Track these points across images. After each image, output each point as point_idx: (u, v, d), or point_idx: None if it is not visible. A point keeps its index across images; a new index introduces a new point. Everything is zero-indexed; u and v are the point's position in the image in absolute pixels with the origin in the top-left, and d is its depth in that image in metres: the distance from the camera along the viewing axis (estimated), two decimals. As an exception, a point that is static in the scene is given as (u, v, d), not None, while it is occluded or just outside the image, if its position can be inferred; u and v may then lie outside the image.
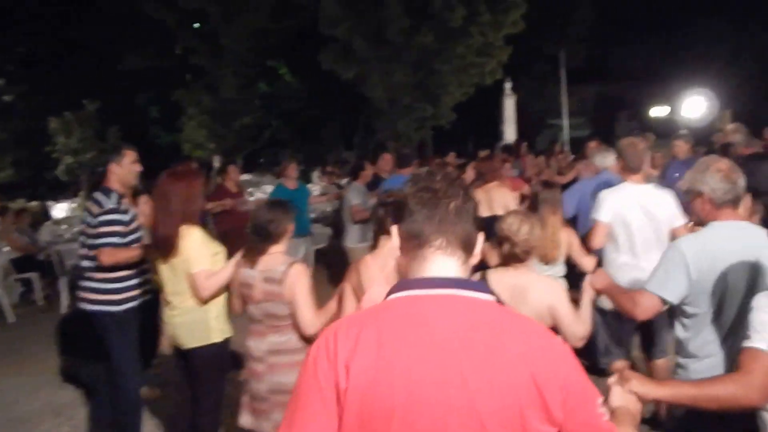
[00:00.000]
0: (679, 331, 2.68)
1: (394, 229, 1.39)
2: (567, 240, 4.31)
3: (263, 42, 19.66)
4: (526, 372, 1.22)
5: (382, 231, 2.98)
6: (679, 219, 4.04)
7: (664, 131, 15.19)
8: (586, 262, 4.23)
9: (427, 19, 15.53)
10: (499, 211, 5.61)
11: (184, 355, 3.68)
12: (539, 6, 17.76)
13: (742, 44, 21.77)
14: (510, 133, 15.04)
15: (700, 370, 2.54)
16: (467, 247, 1.37)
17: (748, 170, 6.77)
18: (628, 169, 4.17)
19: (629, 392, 1.84)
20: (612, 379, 1.88)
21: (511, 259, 2.96)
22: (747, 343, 1.97)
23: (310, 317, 3.09)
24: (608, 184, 4.54)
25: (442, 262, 1.34)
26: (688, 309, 2.59)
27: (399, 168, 7.99)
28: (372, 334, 1.25)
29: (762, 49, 20.95)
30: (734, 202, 2.58)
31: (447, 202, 1.34)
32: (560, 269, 4.38)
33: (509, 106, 15.24)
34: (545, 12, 19.89)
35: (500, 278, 2.93)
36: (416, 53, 15.84)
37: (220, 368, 3.65)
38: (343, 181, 10.21)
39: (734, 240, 2.52)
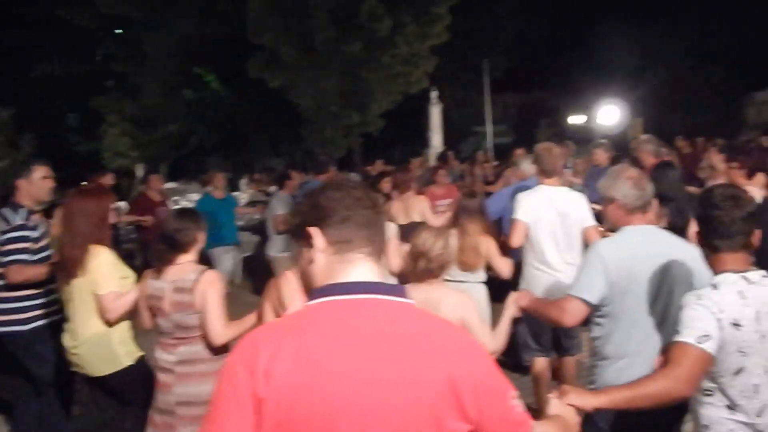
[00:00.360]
0: (596, 332, 2.75)
1: (316, 232, 1.35)
2: (486, 246, 4.36)
3: (188, 49, 19.23)
4: (443, 373, 1.23)
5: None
6: (590, 220, 4.22)
7: (582, 138, 15.83)
8: (503, 265, 4.34)
9: (354, 29, 15.60)
10: (417, 219, 5.71)
11: (97, 381, 3.52)
12: (463, 18, 18.15)
13: (653, 54, 22.96)
14: (436, 140, 15.29)
15: (615, 370, 2.61)
16: (383, 254, 1.41)
17: (655, 178, 7.08)
18: (544, 172, 4.35)
19: (567, 405, 1.89)
20: (552, 394, 1.94)
21: (426, 274, 2.97)
22: (676, 338, 2.08)
23: (219, 327, 3.00)
24: (527, 188, 4.70)
25: (367, 267, 1.35)
26: (605, 310, 2.66)
27: (316, 174, 7.95)
28: (293, 340, 1.23)
29: (671, 58, 22.15)
30: (644, 208, 2.71)
31: (373, 209, 1.37)
32: (481, 276, 4.42)
33: (435, 114, 15.49)
34: (469, 24, 20.36)
35: (413, 293, 2.92)
36: (343, 62, 15.88)
37: (143, 386, 3.49)
38: (271, 189, 10.08)
39: (647, 243, 2.63)
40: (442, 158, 10.83)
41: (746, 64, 23.08)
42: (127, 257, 5.36)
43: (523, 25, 23.28)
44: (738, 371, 2.10)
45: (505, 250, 4.42)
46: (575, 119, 23.80)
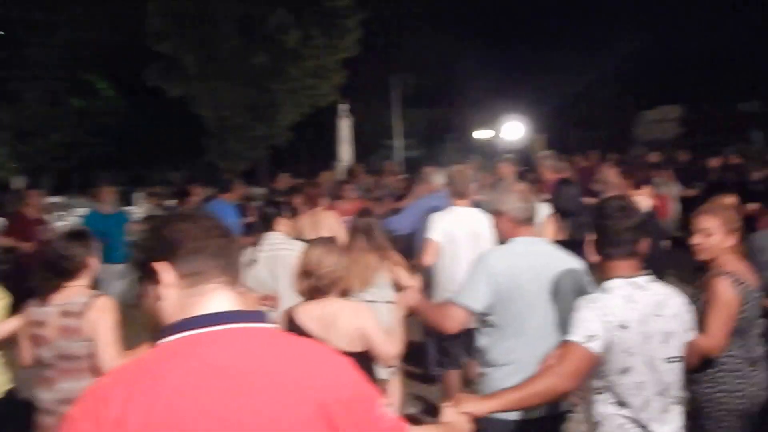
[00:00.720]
0: (482, 340, 2.86)
1: (163, 267, 1.29)
2: (392, 262, 4.31)
3: (77, 54, 18.23)
4: (311, 399, 1.22)
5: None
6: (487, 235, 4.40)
7: (488, 153, 16.33)
8: (411, 282, 4.31)
9: (261, 40, 15.36)
10: (326, 235, 5.62)
11: None
12: (374, 32, 18.34)
13: (555, 72, 24.15)
14: (346, 153, 15.24)
15: (501, 377, 2.71)
16: (239, 281, 1.38)
17: (556, 194, 7.40)
18: (457, 194, 4.59)
19: (460, 413, 1.96)
20: (446, 403, 2.02)
21: (316, 292, 2.92)
22: (566, 338, 2.25)
23: (111, 358, 2.77)
24: (438, 206, 4.85)
25: (223, 297, 1.31)
26: (491, 319, 2.77)
27: (221, 192, 7.69)
28: (147, 384, 1.16)
29: (571, 77, 23.36)
30: (530, 220, 2.91)
31: (226, 237, 1.35)
32: (387, 293, 4.33)
33: (345, 127, 15.46)
34: (379, 38, 20.60)
35: (306, 312, 2.93)
36: (249, 73, 15.58)
37: (10, 422, 3.14)
38: (169, 204, 9.62)
39: (532, 255, 2.81)
40: (350, 173, 10.77)
41: (637, 85, 24.77)
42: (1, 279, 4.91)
43: (432, 42, 23.85)
44: (624, 370, 2.25)
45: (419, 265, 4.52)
46: (481, 134, 24.57)
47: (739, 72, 24.23)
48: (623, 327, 2.21)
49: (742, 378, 2.91)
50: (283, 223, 4.48)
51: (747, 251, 3.52)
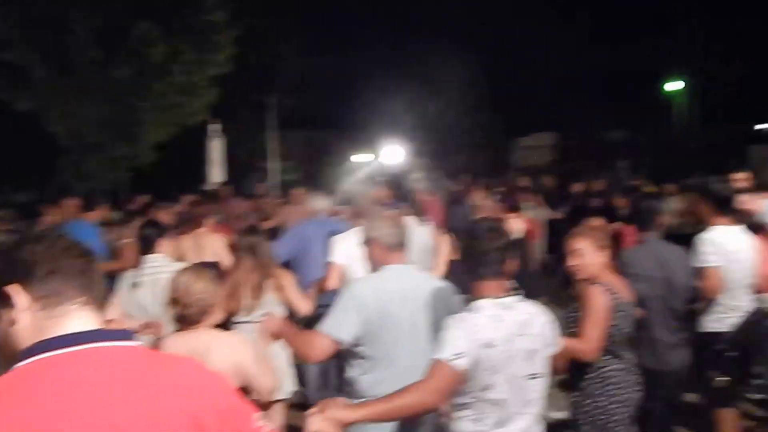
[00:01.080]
0: (351, 371, 2.88)
1: (16, 290, 1.28)
2: (281, 283, 4.31)
3: None
4: (183, 412, 1.24)
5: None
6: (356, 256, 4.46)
7: (367, 176, 16.52)
8: (303, 305, 4.36)
9: (124, 52, 14.70)
10: (210, 259, 5.51)
11: None
12: (249, 49, 18.11)
13: (434, 97, 25.08)
14: (216, 175, 14.80)
15: None
16: (104, 301, 1.40)
17: (449, 214, 7.67)
18: (359, 214, 4.71)
19: (327, 419, 2.02)
20: (311, 410, 2.09)
21: (186, 321, 2.81)
22: (434, 356, 2.35)
23: None
24: (335, 228, 4.99)
25: (83, 317, 1.32)
26: (361, 350, 2.80)
27: (86, 212, 7.32)
28: (4, 410, 1.14)
29: (450, 102, 24.36)
30: (401, 247, 2.97)
31: (84, 257, 1.35)
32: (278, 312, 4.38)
33: (216, 148, 15.03)
34: (255, 56, 20.38)
35: (176, 343, 2.77)
36: (109, 87, 14.82)
37: None
38: (16, 227, 8.86)
39: (402, 282, 2.87)
40: (215, 195, 10.31)
41: (513, 113, 26.28)
42: None
43: (311, 62, 23.96)
44: (486, 387, 2.38)
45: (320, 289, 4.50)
46: (360, 158, 24.91)
47: (607, 102, 26.38)
48: (489, 346, 2.33)
49: (627, 387, 3.21)
50: (164, 245, 4.35)
51: (618, 268, 3.86)
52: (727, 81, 25.28)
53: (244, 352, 2.83)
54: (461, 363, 2.30)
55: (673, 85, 26.50)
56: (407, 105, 23.69)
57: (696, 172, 12.00)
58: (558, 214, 10.44)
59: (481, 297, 2.46)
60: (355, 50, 25.74)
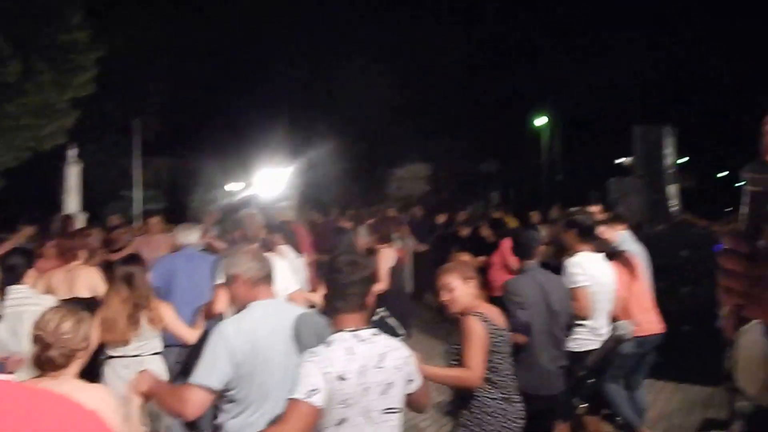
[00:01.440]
0: (222, 417, 2.77)
1: None
2: (159, 315, 4.29)
3: None
4: None
5: None
6: (293, 285, 4.66)
7: (239, 207, 16.39)
8: (189, 335, 4.32)
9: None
10: (85, 294, 5.31)
11: None
12: (113, 72, 17.62)
13: (310, 128, 25.34)
14: (73, 204, 14.16)
15: None
16: None
17: (335, 242, 7.89)
18: (247, 238, 4.78)
19: None
20: None
21: (48, 365, 2.59)
22: (289, 395, 2.35)
23: None
24: (203, 261, 4.98)
25: None
26: (231, 393, 2.70)
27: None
28: None
29: (327, 133, 24.72)
30: (267, 280, 2.91)
31: None
32: (154, 345, 4.34)
33: (73, 174, 14.38)
34: (119, 79, 19.80)
35: None
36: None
37: None
38: None
39: (272, 318, 2.79)
40: (63, 224, 9.44)
41: (385, 143, 27.10)
42: None
43: (180, 85, 23.52)
44: (340, 422, 2.41)
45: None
46: (233, 187, 24.65)
47: (479, 133, 27.85)
48: (342, 378, 2.37)
49: (506, 417, 3.38)
50: (31, 276, 4.18)
51: (504, 296, 4.32)
52: (587, 117, 27.71)
53: (108, 405, 2.64)
54: (317, 399, 2.31)
55: (541, 120, 28.58)
56: (282, 133, 23.85)
57: (558, 203, 13.06)
58: (423, 246, 10.86)
59: (340, 330, 2.50)
60: (227, 75, 25.59)
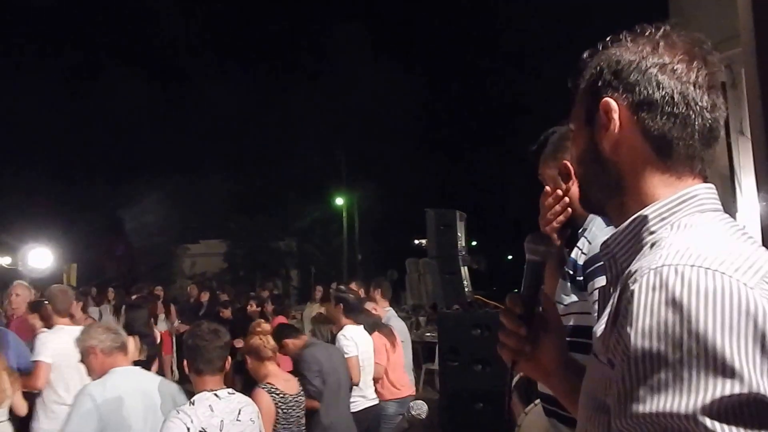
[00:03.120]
0: None
1: None
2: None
3: None
4: None
5: None
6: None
7: (8, 281, 14.76)
8: (21, 406, 4.39)
9: None
10: None
11: None
12: None
13: (88, 202, 23.86)
14: None
15: None
16: None
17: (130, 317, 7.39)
18: (58, 312, 4.98)
19: None
20: None
21: None
22: None
23: None
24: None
25: None
26: None
27: None
28: None
29: (105, 206, 23.42)
30: (123, 348, 3.26)
31: None
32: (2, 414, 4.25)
33: None
34: None
35: None
36: None
37: None
38: None
39: (132, 382, 3.16)
40: None
41: (181, 219, 26.25)
42: None
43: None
44: None
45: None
46: (0, 260, 22.48)
47: (276, 212, 27.95)
48: None
49: None
50: None
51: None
52: (385, 197, 29.04)
53: None
54: None
55: (340, 200, 29.39)
56: (50, 208, 22.24)
57: (345, 280, 13.31)
58: (184, 327, 10.54)
59: (202, 390, 2.90)
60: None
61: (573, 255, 1.93)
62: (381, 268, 17.98)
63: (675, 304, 0.77)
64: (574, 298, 1.91)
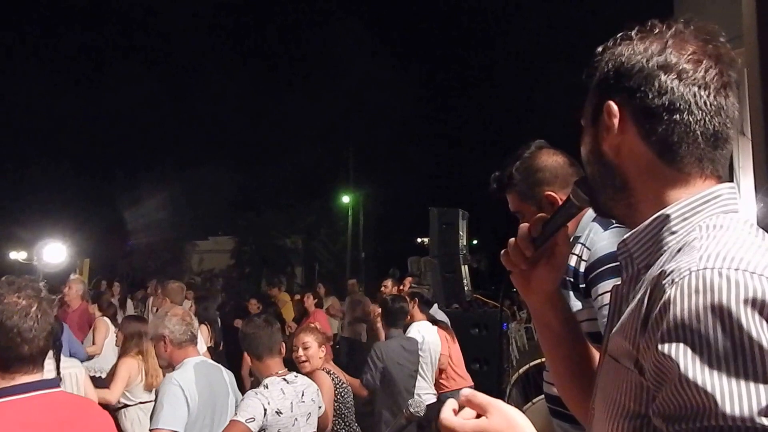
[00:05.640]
0: None
1: None
2: None
3: None
4: None
5: None
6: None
7: (24, 274, 14.78)
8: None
9: None
10: None
11: None
12: None
13: (101, 198, 23.84)
14: None
15: None
16: None
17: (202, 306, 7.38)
18: (175, 304, 5.13)
19: None
20: None
21: None
22: (232, 417, 2.89)
23: None
24: None
25: None
26: None
27: None
28: None
29: (117, 203, 23.38)
30: (192, 340, 3.32)
31: None
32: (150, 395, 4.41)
33: None
34: None
35: None
36: None
37: None
38: None
39: (203, 372, 3.22)
40: None
41: (192, 216, 26.22)
42: None
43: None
44: None
45: None
46: (16, 255, 22.56)
47: (281, 209, 27.89)
48: (279, 413, 2.99)
49: None
50: None
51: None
52: (390, 197, 28.93)
53: None
54: (252, 426, 2.84)
55: (346, 198, 29.33)
56: (65, 205, 22.23)
57: (360, 278, 13.26)
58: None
59: (269, 375, 3.14)
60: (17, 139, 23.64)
61: (572, 263, 1.85)
62: (384, 266, 17.87)
63: (723, 310, 0.73)
64: (579, 305, 1.84)
